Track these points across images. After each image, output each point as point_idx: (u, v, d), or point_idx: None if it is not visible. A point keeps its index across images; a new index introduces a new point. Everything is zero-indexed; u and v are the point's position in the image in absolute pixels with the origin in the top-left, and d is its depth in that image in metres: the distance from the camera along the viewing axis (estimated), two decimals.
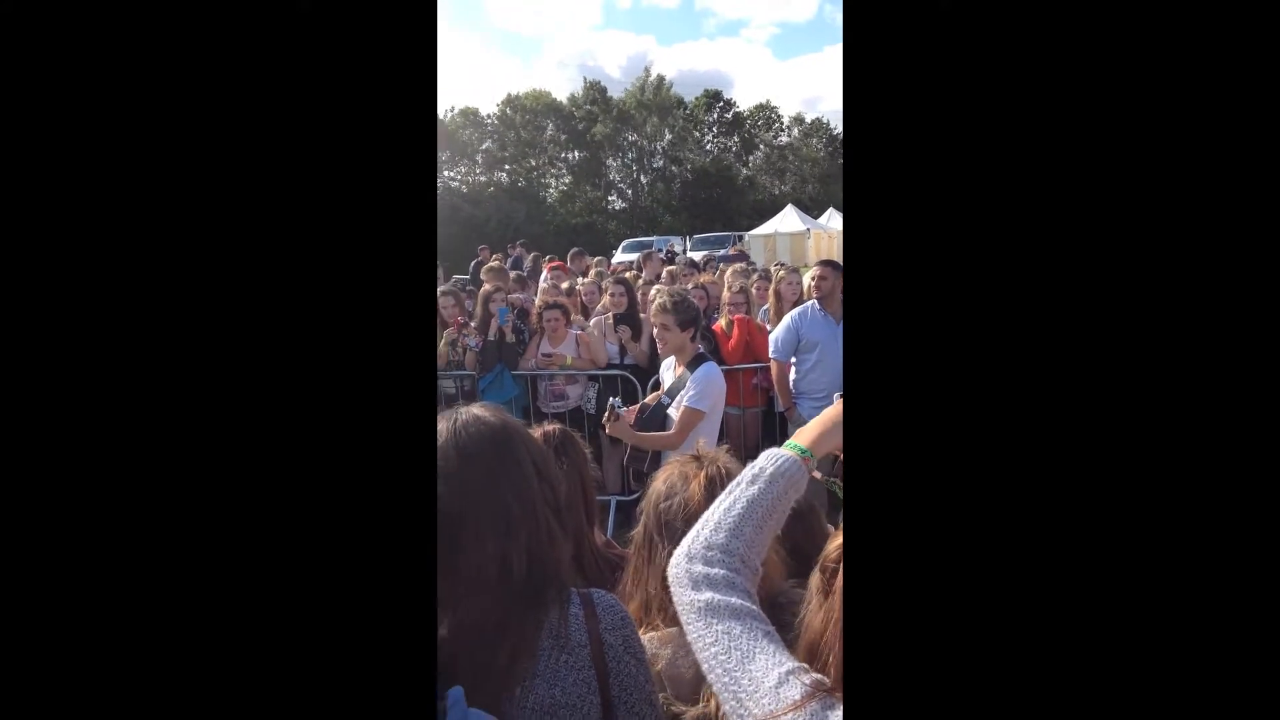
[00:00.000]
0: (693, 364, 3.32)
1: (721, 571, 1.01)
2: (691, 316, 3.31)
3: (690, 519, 1.39)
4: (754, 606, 0.99)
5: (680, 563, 1.06)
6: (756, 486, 1.08)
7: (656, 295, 3.47)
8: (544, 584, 1.12)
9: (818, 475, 1.14)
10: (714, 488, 1.44)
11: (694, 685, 1.26)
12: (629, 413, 3.39)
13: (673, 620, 1.33)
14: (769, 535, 1.08)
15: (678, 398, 3.31)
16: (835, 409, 1.15)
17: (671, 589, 1.06)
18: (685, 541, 1.08)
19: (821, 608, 0.95)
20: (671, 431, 3.25)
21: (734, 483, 1.10)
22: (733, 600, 0.98)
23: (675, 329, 3.29)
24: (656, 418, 3.38)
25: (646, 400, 3.59)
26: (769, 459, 1.10)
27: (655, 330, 3.39)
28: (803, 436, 1.13)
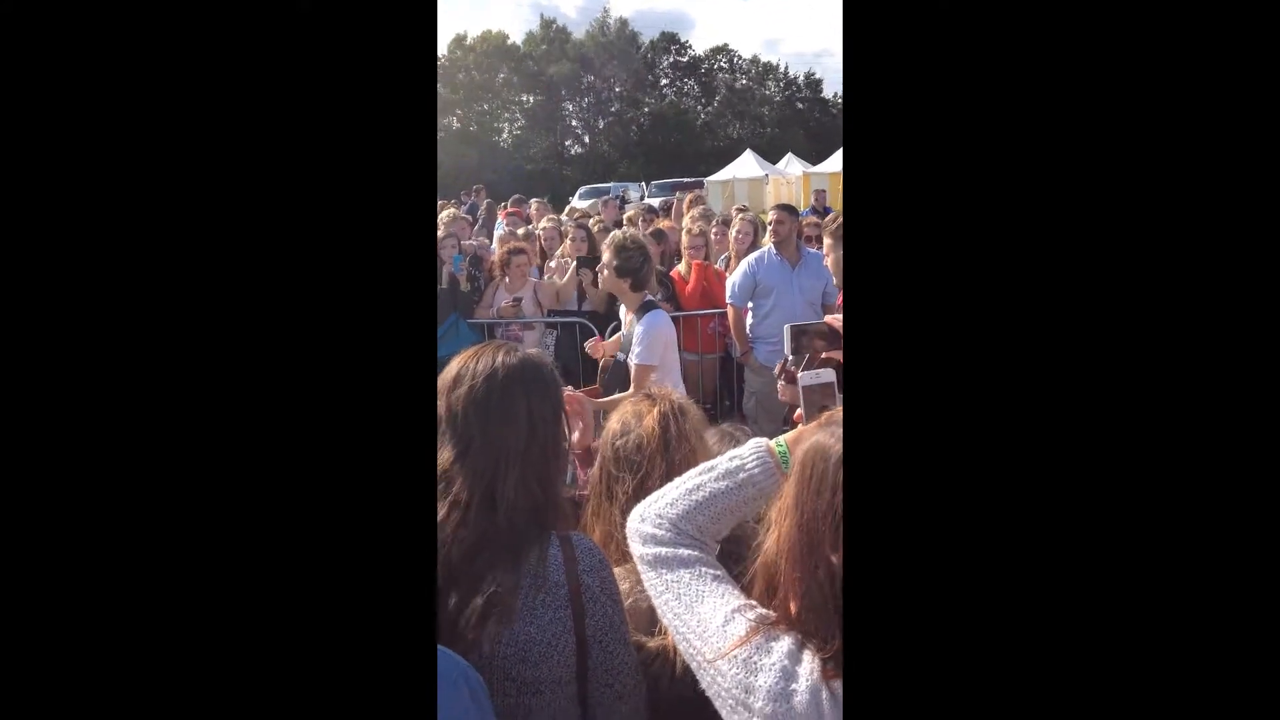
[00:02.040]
0: (640, 312, 3.27)
1: (669, 535, 1.04)
2: (631, 266, 3.21)
3: (646, 455, 1.43)
4: (701, 554, 1.02)
5: (634, 521, 1.09)
6: (725, 483, 1.06)
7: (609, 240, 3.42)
8: (526, 524, 1.15)
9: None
10: (667, 423, 1.46)
11: (651, 617, 1.29)
12: (598, 344, 3.41)
13: (627, 558, 1.36)
14: (724, 527, 1.08)
15: (630, 350, 3.30)
16: (826, 417, 1.11)
17: (628, 540, 1.09)
18: (644, 502, 1.10)
19: (773, 534, 0.97)
20: (629, 392, 3.20)
21: (708, 464, 1.10)
22: (680, 551, 1.02)
23: (619, 281, 3.24)
24: (620, 373, 3.37)
25: (603, 362, 3.56)
26: (753, 456, 1.07)
27: (619, 298, 3.32)
28: (795, 443, 1.07)
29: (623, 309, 3.55)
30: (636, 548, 1.06)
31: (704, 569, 1.00)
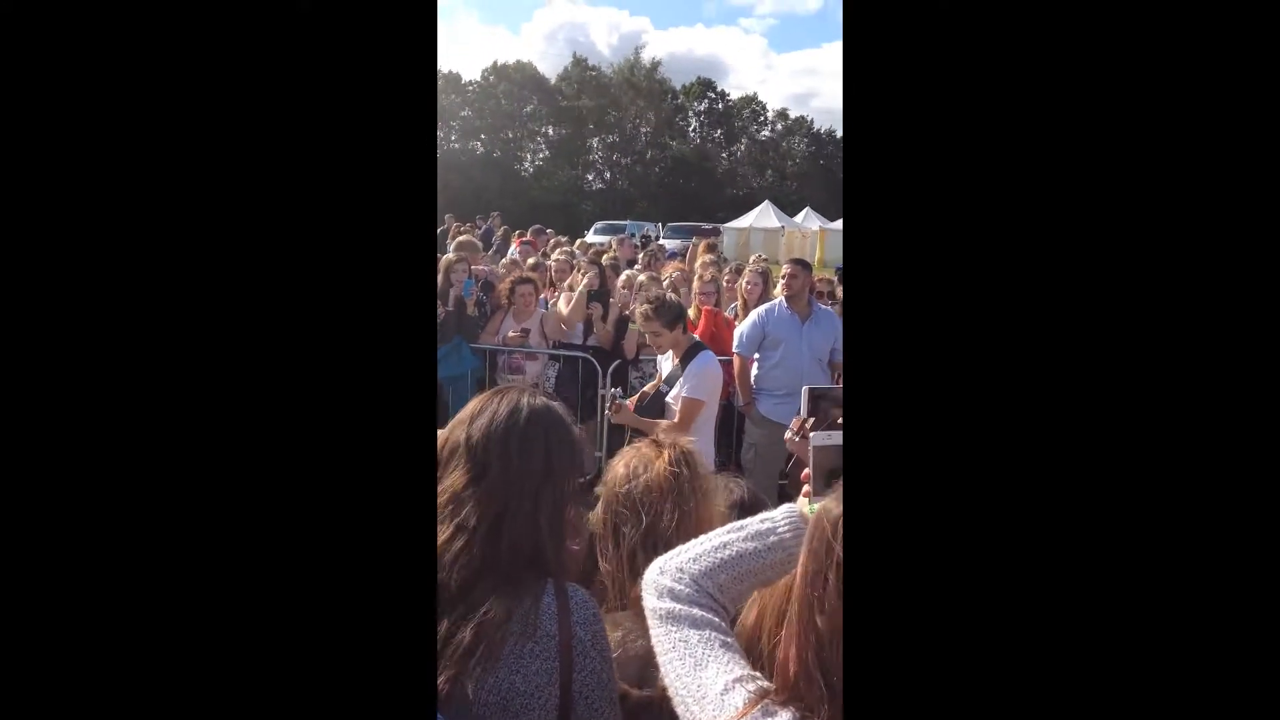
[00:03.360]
0: (688, 353, 3.40)
1: (688, 591, 1.02)
2: (676, 314, 3.41)
3: (655, 499, 1.45)
4: (715, 619, 0.99)
5: (653, 572, 1.06)
6: (754, 544, 1.04)
7: (638, 301, 3.60)
8: (526, 564, 1.14)
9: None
10: (678, 468, 1.48)
11: (639, 667, 1.28)
12: (630, 402, 3.51)
13: (631, 602, 1.37)
14: (748, 590, 1.06)
15: (675, 386, 3.39)
16: None
17: (642, 590, 1.07)
18: (666, 555, 1.08)
19: (753, 604, 0.96)
20: (675, 420, 3.31)
21: (738, 524, 1.07)
22: (694, 611, 0.99)
23: (665, 331, 3.39)
24: (656, 405, 3.47)
25: (645, 389, 3.66)
26: (785, 520, 1.05)
27: (648, 336, 3.51)
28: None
29: (662, 357, 3.65)
30: (651, 600, 1.03)
31: (714, 634, 0.97)
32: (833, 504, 0.91)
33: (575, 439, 1.25)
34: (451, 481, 1.16)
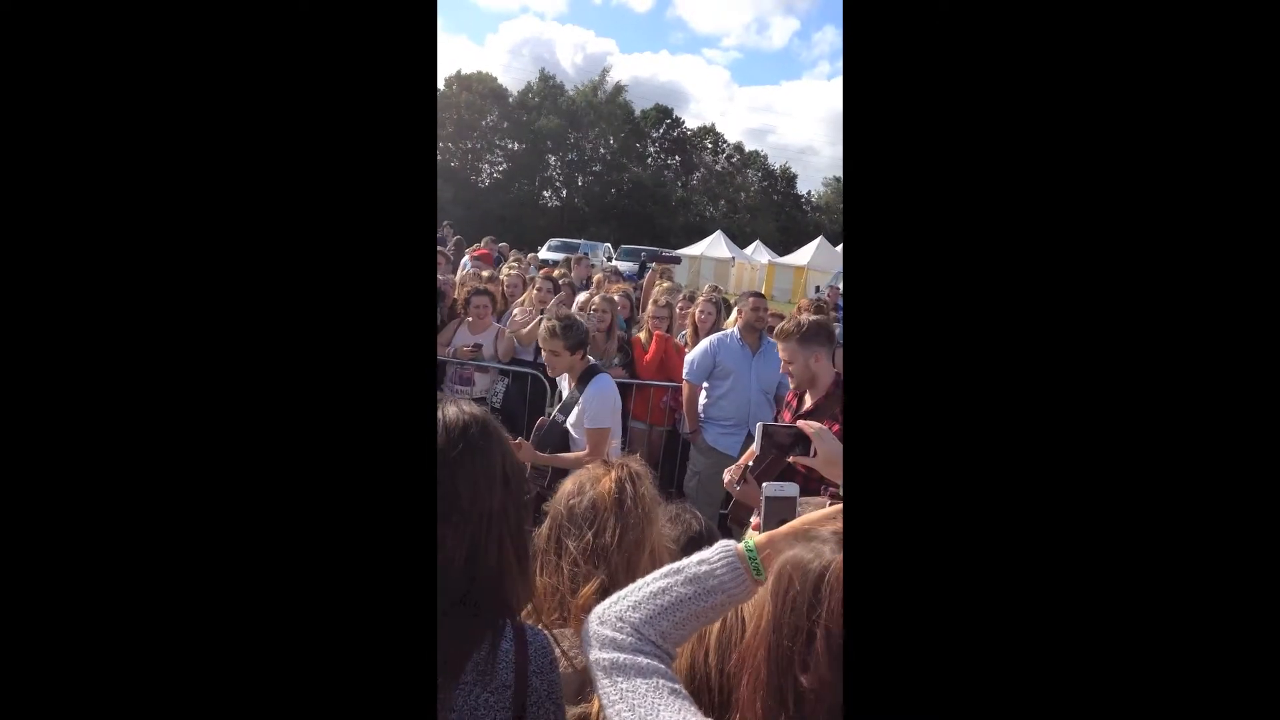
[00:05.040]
0: (583, 378, 3.28)
1: (630, 640, 1.00)
2: (580, 339, 3.29)
3: (600, 514, 1.45)
4: (661, 665, 0.98)
5: (593, 623, 1.04)
6: (692, 588, 1.02)
7: (546, 317, 3.46)
8: (481, 604, 1.09)
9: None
10: (623, 487, 1.49)
11: (579, 685, 1.26)
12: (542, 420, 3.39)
13: (570, 618, 1.37)
14: (689, 634, 1.04)
15: (572, 414, 3.30)
16: (799, 521, 1.09)
17: (583, 642, 1.04)
18: (604, 604, 1.06)
19: (731, 652, 0.94)
20: (585, 452, 3.22)
21: (674, 566, 1.05)
22: (639, 660, 0.97)
23: (564, 353, 3.25)
24: (554, 434, 3.36)
25: (541, 419, 3.55)
26: (721, 561, 1.03)
27: (545, 355, 3.36)
28: (765, 548, 1.04)
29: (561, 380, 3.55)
30: (593, 652, 1.00)
31: (662, 681, 0.95)
32: (805, 553, 0.91)
33: (509, 442, 1.21)
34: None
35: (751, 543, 1.05)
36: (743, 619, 1.06)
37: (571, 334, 3.25)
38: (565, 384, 3.49)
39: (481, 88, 40.19)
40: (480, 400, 4.79)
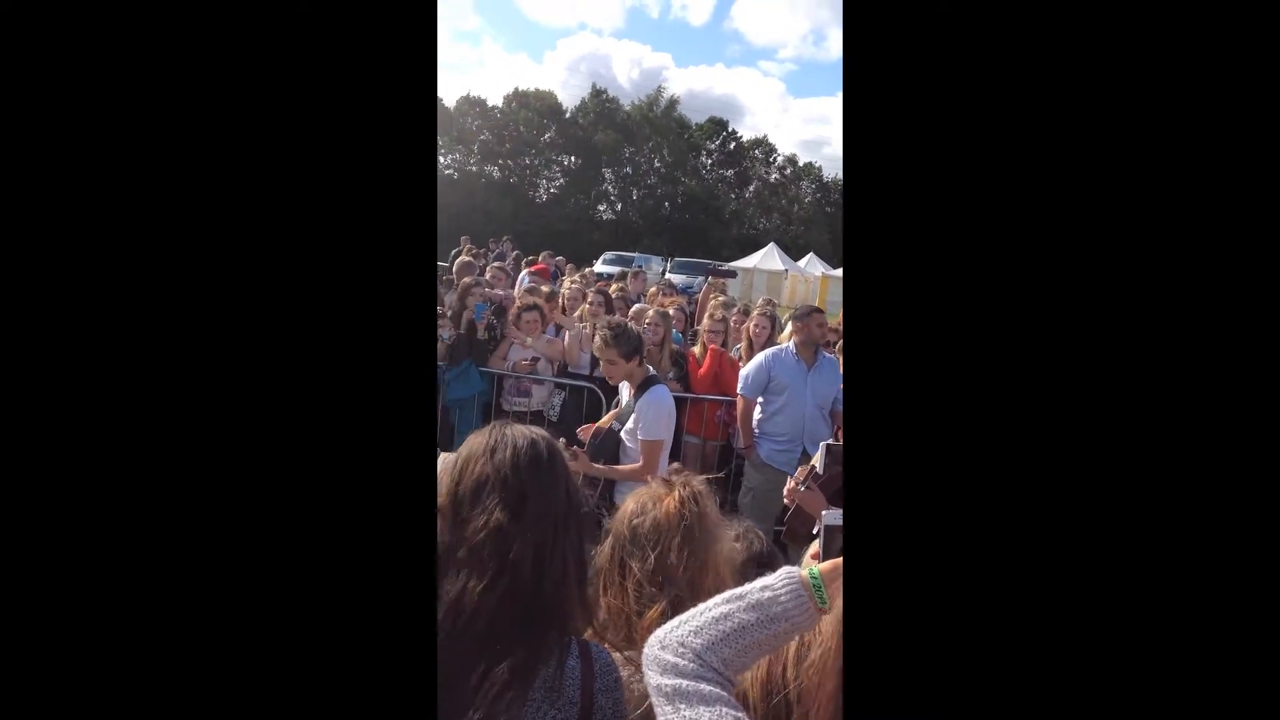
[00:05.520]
0: (641, 388, 3.28)
1: (692, 666, 0.98)
2: (634, 346, 3.29)
3: (663, 534, 1.43)
4: (723, 693, 0.96)
5: (653, 647, 1.02)
6: (755, 615, 1.00)
7: (597, 329, 3.46)
8: (549, 622, 1.11)
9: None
10: (685, 507, 1.47)
11: (646, 709, 1.26)
12: (584, 433, 3.40)
13: (635, 641, 1.36)
14: (752, 662, 1.02)
15: (628, 423, 3.30)
16: None
17: (643, 666, 1.03)
18: (665, 628, 1.04)
19: (794, 679, 0.93)
20: (638, 465, 3.22)
21: (736, 592, 1.03)
22: (701, 687, 0.95)
23: (620, 360, 3.26)
24: (609, 443, 3.36)
25: (599, 424, 3.56)
26: (785, 588, 1.01)
27: (603, 365, 3.37)
28: (830, 576, 1.02)
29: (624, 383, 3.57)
30: (654, 677, 0.98)
31: (725, 709, 0.93)
32: None
33: (565, 473, 1.24)
34: (489, 517, 1.12)
35: (816, 570, 1.03)
36: (821, 631, 1.04)
37: (623, 341, 3.25)
38: (625, 393, 3.49)
39: (539, 104, 40.84)
40: (537, 413, 4.88)
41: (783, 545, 2.85)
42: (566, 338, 5.25)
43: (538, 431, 1.21)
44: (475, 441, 1.21)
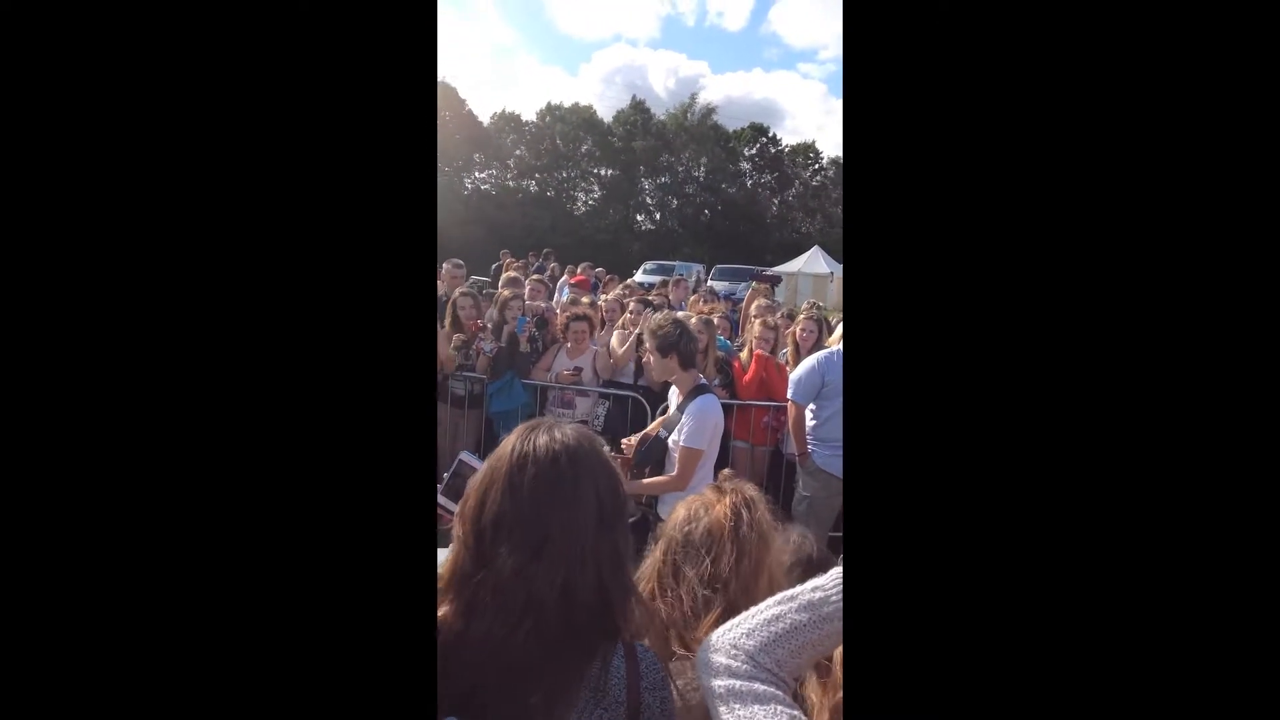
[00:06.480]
0: (691, 395, 3.22)
1: (746, 667, 0.99)
2: (669, 342, 3.22)
3: (716, 540, 1.45)
4: (779, 692, 0.96)
5: (706, 651, 1.03)
6: (808, 615, 1.00)
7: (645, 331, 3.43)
8: (595, 627, 1.09)
9: None
10: (738, 513, 1.48)
11: (702, 718, 1.21)
12: (627, 447, 3.33)
13: (691, 647, 1.35)
14: (807, 663, 1.02)
15: (675, 430, 3.23)
16: None
17: (697, 669, 1.04)
18: (717, 632, 1.05)
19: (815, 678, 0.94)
20: (674, 475, 3.16)
21: (789, 594, 1.03)
22: (755, 686, 0.96)
23: (656, 354, 3.23)
24: (656, 451, 3.29)
25: (647, 431, 3.49)
26: (836, 589, 1.00)
27: (654, 371, 3.35)
28: None
29: (673, 389, 3.46)
30: (707, 679, 1.00)
31: (781, 708, 0.94)
32: None
33: (615, 471, 1.18)
34: (511, 560, 1.05)
35: None
36: None
37: (658, 338, 3.21)
38: (674, 400, 3.44)
39: (574, 118, 41.21)
40: (582, 424, 4.80)
41: (838, 551, 2.73)
42: (614, 339, 5.19)
43: (562, 440, 1.12)
44: (499, 460, 1.13)
